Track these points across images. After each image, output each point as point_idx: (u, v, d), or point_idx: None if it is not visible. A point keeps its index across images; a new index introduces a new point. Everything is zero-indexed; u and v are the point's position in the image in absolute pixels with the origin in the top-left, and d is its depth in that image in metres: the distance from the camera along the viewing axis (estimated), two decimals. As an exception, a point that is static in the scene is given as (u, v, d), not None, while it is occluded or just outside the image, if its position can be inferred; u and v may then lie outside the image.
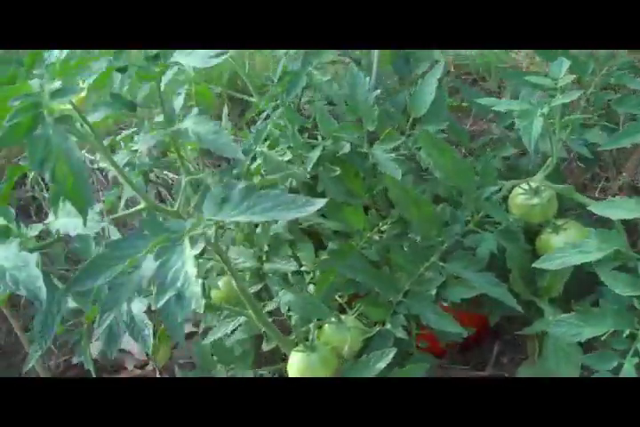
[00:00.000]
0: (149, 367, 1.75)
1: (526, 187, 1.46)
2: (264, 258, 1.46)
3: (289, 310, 1.39)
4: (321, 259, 1.43)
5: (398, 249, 1.42)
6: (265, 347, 1.45)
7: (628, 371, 1.12)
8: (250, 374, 1.42)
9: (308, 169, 1.43)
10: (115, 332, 1.09)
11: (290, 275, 1.45)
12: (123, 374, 1.75)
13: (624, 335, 1.15)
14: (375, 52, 1.56)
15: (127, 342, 1.38)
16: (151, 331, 1.11)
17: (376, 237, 1.50)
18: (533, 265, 1.32)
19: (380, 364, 1.29)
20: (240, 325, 1.43)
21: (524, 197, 1.46)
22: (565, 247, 1.30)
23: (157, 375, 1.66)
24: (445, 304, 1.40)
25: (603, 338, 1.15)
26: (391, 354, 1.29)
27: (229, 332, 1.43)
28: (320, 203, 0.90)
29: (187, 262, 0.87)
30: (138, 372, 1.75)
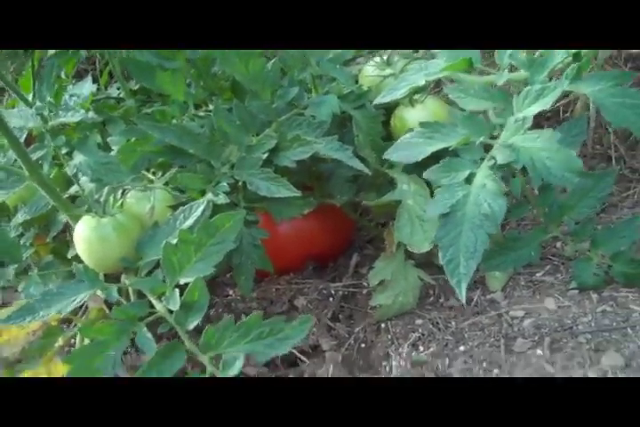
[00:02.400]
0: None
1: (378, 59, 1.25)
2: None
3: (79, 173, 1.10)
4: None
5: (226, 118, 1.17)
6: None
7: (478, 182, 0.88)
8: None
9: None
10: None
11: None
12: None
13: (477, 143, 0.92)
14: None
15: None
16: None
17: (201, 114, 1.25)
18: (383, 156, 1.09)
19: (188, 221, 1.02)
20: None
21: (375, 67, 1.24)
22: (417, 132, 1.06)
23: None
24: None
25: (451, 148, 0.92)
26: (200, 207, 1.02)
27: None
28: None
29: None
30: None
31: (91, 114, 1.23)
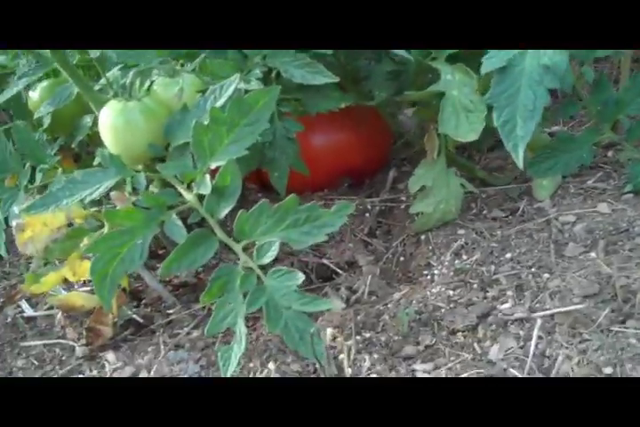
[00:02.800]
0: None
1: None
2: None
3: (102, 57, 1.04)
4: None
5: None
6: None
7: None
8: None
9: None
10: None
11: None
12: None
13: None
14: None
15: None
16: None
17: None
18: None
19: (219, 101, 0.95)
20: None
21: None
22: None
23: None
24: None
25: None
26: (232, 86, 0.95)
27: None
28: None
29: None
30: None
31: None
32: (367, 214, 1.34)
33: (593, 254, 1.06)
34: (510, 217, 1.22)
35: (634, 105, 1.11)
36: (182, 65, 1.12)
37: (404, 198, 1.35)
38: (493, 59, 0.84)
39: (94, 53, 1.04)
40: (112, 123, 0.99)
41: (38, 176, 1.15)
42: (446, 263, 1.16)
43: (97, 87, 1.14)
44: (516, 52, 0.82)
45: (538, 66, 0.81)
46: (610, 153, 1.28)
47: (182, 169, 0.98)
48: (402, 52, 1.05)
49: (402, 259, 1.26)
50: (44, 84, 1.23)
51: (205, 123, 0.95)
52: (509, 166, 1.33)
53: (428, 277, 1.16)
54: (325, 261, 1.25)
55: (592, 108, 1.12)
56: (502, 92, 0.83)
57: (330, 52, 1.10)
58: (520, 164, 0.88)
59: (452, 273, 1.12)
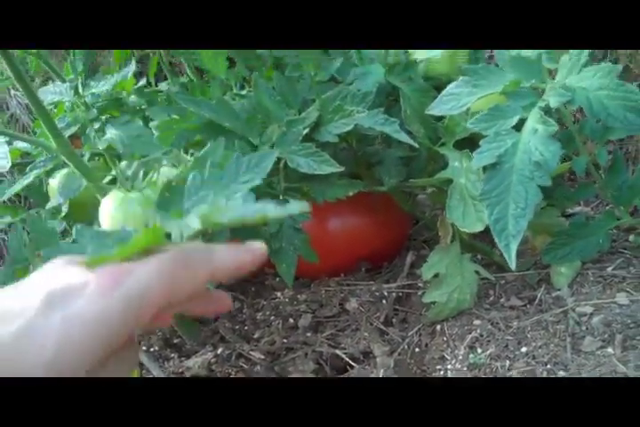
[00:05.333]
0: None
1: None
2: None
3: (110, 148, 1.06)
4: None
5: (266, 92, 1.12)
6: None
7: (529, 127, 0.79)
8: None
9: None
10: None
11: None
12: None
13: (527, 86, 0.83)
14: None
15: None
16: None
17: (243, 93, 1.20)
18: (426, 111, 1.02)
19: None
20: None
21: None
22: (462, 81, 0.97)
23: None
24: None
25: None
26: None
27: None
28: None
29: None
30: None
31: (132, 97, 1.19)
32: (384, 301, 1.32)
33: (610, 350, 1.01)
34: (528, 306, 1.18)
35: (651, 190, 1.08)
36: (192, 154, 1.14)
37: (421, 285, 1.32)
38: (485, 153, 0.82)
39: (102, 145, 1.06)
40: (111, 213, 1.00)
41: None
42: (460, 357, 1.12)
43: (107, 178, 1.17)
44: (508, 146, 0.80)
45: (529, 162, 0.79)
46: (631, 237, 1.24)
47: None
48: (410, 141, 1.04)
49: (417, 350, 1.22)
50: (64, 171, 1.25)
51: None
52: (528, 251, 1.30)
53: (442, 372, 1.12)
54: (339, 351, 1.22)
55: (607, 193, 1.09)
56: (493, 188, 0.81)
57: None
58: (512, 265, 0.85)
59: (465, 368, 1.09)
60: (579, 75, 0.80)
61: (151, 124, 1.18)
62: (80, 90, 1.08)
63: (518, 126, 0.82)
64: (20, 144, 1.28)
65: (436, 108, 0.92)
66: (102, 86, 1.07)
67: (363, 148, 1.20)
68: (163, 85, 1.43)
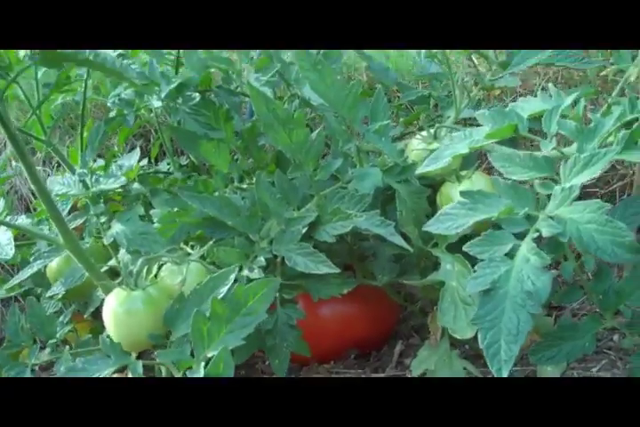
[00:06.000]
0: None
1: (424, 133, 1.24)
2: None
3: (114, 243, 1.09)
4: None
5: (268, 190, 1.16)
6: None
7: (522, 256, 0.83)
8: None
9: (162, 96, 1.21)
10: None
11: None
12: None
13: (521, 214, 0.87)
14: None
15: None
16: None
17: (245, 186, 1.25)
18: (423, 228, 1.05)
19: (222, 288, 0.98)
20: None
21: (421, 141, 1.23)
22: (459, 203, 1.00)
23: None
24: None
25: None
26: (233, 274, 0.98)
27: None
28: None
29: None
30: None
31: (135, 185, 1.23)
32: (372, 390, 1.33)
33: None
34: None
35: (634, 296, 1.11)
36: (192, 247, 1.17)
37: (409, 375, 1.34)
38: (479, 279, 0.86)
39: (108, 239, 1.09)
40: (114, 311, 1.02)
41: (47, 352, 1.18)
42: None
43: (111, 262, 1.20)
44: (501, 273, 0.85)
45: (521, 290, 0.83)
46: (615, 337, 1.28)
47: (179, 357, 1.00)
48: (404, 244, 1.08)
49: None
50: (63, 256, 1.28)
51: (206, 313, 0.97)
52: (517, 346, 1.32)
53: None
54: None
55: (593, 297, 1.12)
56: (487, 314, 0.85)
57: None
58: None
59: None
60: (569, 207, 0.84)
61: (152, 211, 1.22)
62: (89, 184, 1.12)
63: (512, 253, 0.86)
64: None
65: (433, 226, 0.96)
66: (111, 184, 1.11)
67: (357, 242, 1.24)
68: (163, 165, 1.47)
